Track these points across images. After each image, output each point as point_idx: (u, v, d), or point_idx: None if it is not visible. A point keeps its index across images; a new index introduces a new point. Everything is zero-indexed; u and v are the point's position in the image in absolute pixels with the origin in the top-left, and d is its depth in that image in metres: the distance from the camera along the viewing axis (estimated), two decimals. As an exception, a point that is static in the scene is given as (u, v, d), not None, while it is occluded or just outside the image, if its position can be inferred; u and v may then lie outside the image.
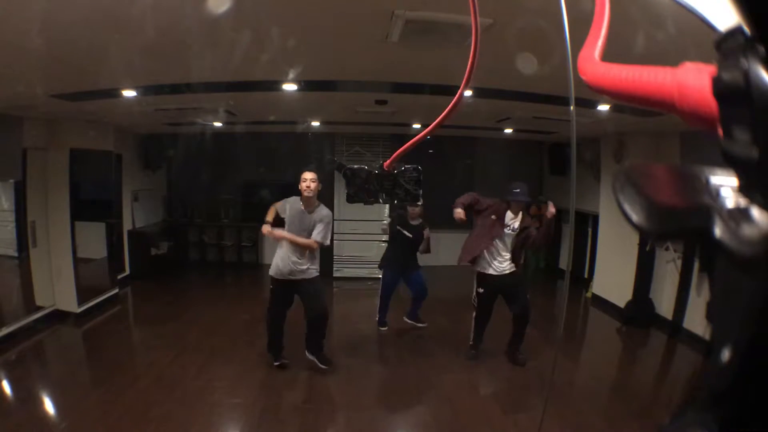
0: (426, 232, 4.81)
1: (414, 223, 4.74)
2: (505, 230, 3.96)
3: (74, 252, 5.13)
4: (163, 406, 3.33)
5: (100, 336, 4.93)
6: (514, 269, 4.03)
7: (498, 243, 3.96)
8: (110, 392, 3.51)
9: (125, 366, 4.06)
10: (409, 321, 5.06)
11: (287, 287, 3.71)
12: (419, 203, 4.60)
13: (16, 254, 4.90)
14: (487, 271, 4.00)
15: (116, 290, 5.89)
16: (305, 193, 3.54)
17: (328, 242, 3.72)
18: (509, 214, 3.98)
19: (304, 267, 3.66)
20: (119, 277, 6.27)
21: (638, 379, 4.30)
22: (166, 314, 5.52)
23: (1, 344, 4.23)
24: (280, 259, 3.66)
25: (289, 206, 3.65)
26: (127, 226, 6.85)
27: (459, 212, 3.87)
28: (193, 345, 4.55)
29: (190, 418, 3.23)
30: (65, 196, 5.07)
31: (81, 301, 5.16)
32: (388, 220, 5.14)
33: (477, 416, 3.55)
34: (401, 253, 4.81)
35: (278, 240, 3.64)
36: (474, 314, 4.18)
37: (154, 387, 3.63)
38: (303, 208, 3.60)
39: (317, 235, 3.58)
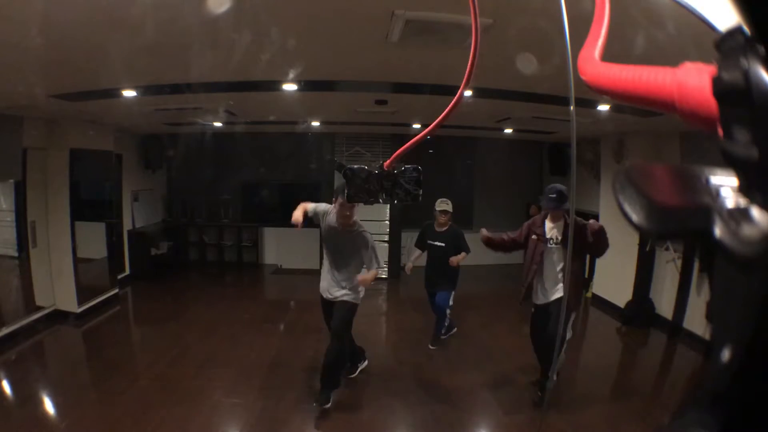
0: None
1: (442, 230, 4.27)
2: (548, 245, 3.40)
3: (74, 252, 5.13)
4: (163, 406, 3.33)
5: (100, 336, 4.93)
6: (560, 295, 3.41)
7: (546, 264, 3.42)
8: (110, 392, 3.51)
9: (125, 366, 4.06)
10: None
11: (327, 306, 3.48)
12: (446, 209, 4.15)
13: (16, 254, 4.90)
14: (536, 301, 3.49)
15: (116, 290, 5.89)
16: (344, 221, 3.20)
17: (381, 265, 3.45)
18: (548, 224, 3.43)
19: (340, 291, 3.37)
20: (119, 277, 6.26)
21: (638, 379, 4.30)
22: (166, 314, 5.52)
23: (1, 344, 4.23)
24: (323, 278, 3.44)
25: (322, 216, 3.33)
26: (127, 226, 6.86)
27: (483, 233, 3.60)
28: (193, 345, 4.55)
29: (190, 418, 3.23)
30: (65, 196, 5.07)
31: (81, 301, 5.16)
32: (417, 253, 4.44)
33: (477, 416, 3.56)
34: (432, 267, 4.33)
35: (366, 283, 3.23)
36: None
37: (154, 387, 3.63)
38: (338, 226, 3.25)
39: (370, 263, 3.26)
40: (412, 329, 5.05)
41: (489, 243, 3.61)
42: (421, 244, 4.42)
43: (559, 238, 3.39)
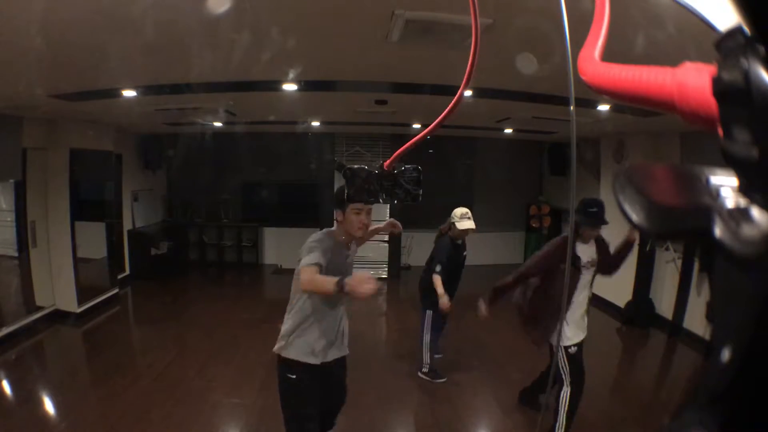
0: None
1: (460, 242, 3.78)
2: (583, 272, 2.81)
3: (74, 252, 5.13)
4: (163, 406, 3.34)
5: (100, 336, 4.93)
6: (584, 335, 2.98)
7: (578, 294, 2.87)
8: (110, 392, 3.51)
9: (125, 366, 4.06)
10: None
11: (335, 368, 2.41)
12: (465, 226, 3.56)
13: (16, 254, 4.90)
14: (577, 340, 2.89)
15: (116, 290, 5.90)
16: (359, 233, 2.18)
17: None
18: (579, 246, 2.79)
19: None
20: (119, 277, 6.27)
21: (638, 379, 4.30)
22: (166, 314, 5.52)
23: (1, 344, 4.24)
24: (325, 333, 2.23)
25: (326, 249, 2.10)
26: (127, 226, 6.86)
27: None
28: (193, 345, 4.56)
29: (190, 418, 3.23)
30: (65, 196, 5.08)
31: (81, 301, 5.16)
32: (439, 267, 3.61)
33: (477, 416, 3.55)
34: (455, 282, 3.84)
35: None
36: (566, 398, 2.89)
37: (154, 387, 3.63)
38: (341, 244, 2.23)
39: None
40: (413, 329, 5.03)
41: (495, 301, 3.01)
42: (448, 263, 3.68)
43: (594, 260, 2.86)
